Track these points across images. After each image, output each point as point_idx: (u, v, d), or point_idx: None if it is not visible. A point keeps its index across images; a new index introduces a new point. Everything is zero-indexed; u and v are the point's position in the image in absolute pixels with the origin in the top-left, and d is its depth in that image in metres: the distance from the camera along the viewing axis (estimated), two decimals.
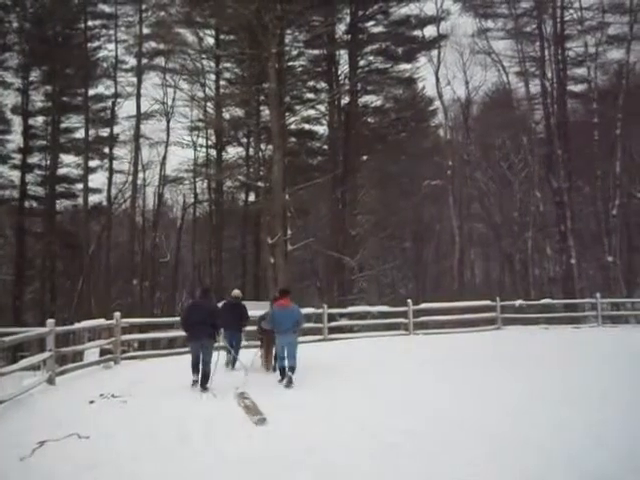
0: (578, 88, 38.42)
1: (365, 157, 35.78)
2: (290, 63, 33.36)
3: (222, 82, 38.10)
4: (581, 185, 38.06)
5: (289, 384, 10.76)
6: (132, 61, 41.17)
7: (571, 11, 35.50)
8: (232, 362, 12.89)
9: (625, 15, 34.95)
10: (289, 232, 27.05)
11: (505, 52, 37.75)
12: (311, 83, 35.22)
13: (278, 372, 11.51)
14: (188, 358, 11.12)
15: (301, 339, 12.73)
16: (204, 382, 10.62)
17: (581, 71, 37.06)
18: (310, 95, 35.32)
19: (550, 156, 34.31)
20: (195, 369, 10.86)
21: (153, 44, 39.95)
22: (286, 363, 11.18)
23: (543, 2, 35.06)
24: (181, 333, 13.17)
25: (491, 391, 9.76)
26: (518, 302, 23.35)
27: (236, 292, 13.62)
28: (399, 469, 6.15)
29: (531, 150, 35.87)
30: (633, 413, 7.81)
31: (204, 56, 37.20)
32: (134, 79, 40.09)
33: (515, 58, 37.13)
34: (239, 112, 35.46)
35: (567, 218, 32.57)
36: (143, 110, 39.75)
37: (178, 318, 14.41)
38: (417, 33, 36.88)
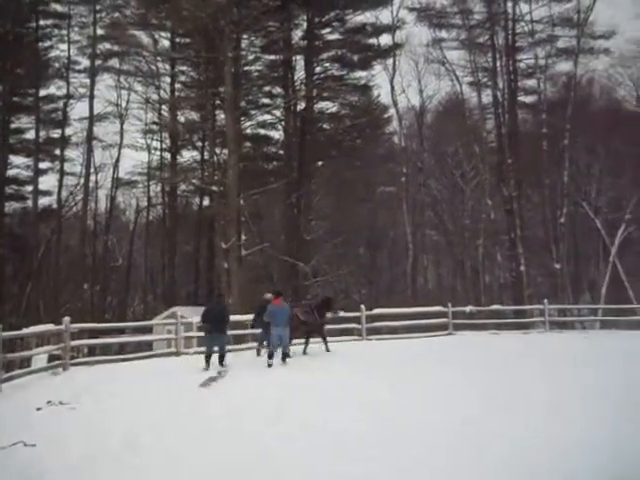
0: (528, 99, 39.41)
1: (320, 163, 36.02)
2: (246, 68, 33.41)
3: (177, 85, 37.90)
4: (530, 194, 38.95)
5: (284, 362, 13.75)
6: (85, 62, 40.62)
7: (522, 24, 36.34)
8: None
9: (573, 29, 35.99)
10: (243, 237, 27.06)
11: (459, 62, 38.44)
12: (267, 88, 35.32)
13: (266, 357, 13.87)
14: (138, 363, 11.04)
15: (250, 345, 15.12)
16: (221, 361, 13.73)
17: (531, 82, 38.07)
18: (266, 100, 35.45)
19: (501, 165, 35.03)
20: (207, 359, 13.67)
21: (107, 45, 39.52)
22: (280, 350, 13.92)
23: (495, 14, 35.80)
24: (132, 338, 13.97)
25: (438, 392, 9.92)
26: (469, 308, 23.77)
27: (268, 295, 15.79)
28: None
29: (483, 159, 36.55)
30: (571, 418, 8.02)
31: (159, 58, 36.91)
32: (87, 80, 39.60)
33: (468, 68, 37.82)
34: (194, 116, 35.30)
35: (517, 226, 33.28)
36: (96, 112, 39.27)
37: (130, 323, 14.91)
38: (373, 41, 37.36)
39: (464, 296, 36.91)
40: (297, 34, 34.38)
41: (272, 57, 34.52)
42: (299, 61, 34.32)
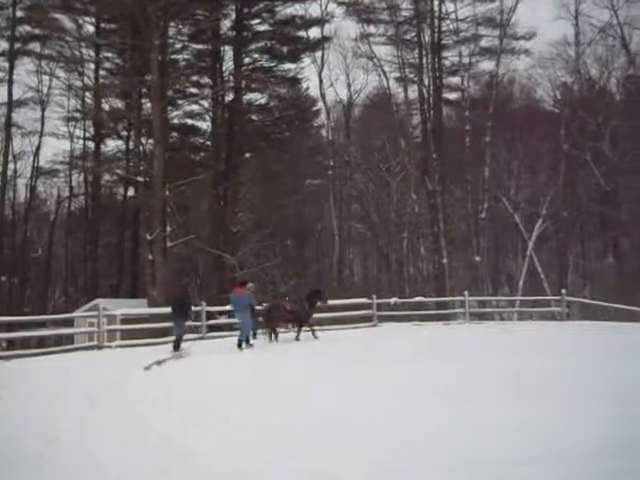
0: (453, 96, 40.39)
1: (248, 154, 35.88)
2: (174, 56, 32.86)
3: (102, 72, 36.94)
4: (453, 189, 40.00)
5: (248, 347, 15.27)
6: (4, 44, 38.88)
7: (448, 22, 37.18)
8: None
9: (496, 29, 37.11)
10: (168, 228, 26.72)
11: (386, 57, 38.98)
12: (195, 78, 34.91)
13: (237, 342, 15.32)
14: (56, 357, 10.78)
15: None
16: (176, 346, 14.66)
17: (456, 80, 39.02)
18: (194, 90, 35.03)
19: (426, 160, 35.78)
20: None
21: (27, 28, 37.95)
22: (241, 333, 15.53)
23: (422, 12, 36.45)
24: (53, 332, 13.70)
25: (355, 384, 10.13)
26: (393, 300, 24.28)
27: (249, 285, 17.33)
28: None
29: (408, 153, 37.26)
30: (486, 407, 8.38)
31: (83, 44, 35.84)
32: (6, 64, 37.88)
33: (395, 64, 38.38)
34: (119, 104, 34.52)
35: (440, 220, 34.10)
36: (15, 97, 37.69)
37: (50, 316, 14.83)
38: (302, 34, 37.47)
39: (389, 288, 37.65)
40: (226, 24, 34.09)
41: (200, 46, 34.10)
42: (228, 51, 34.10)
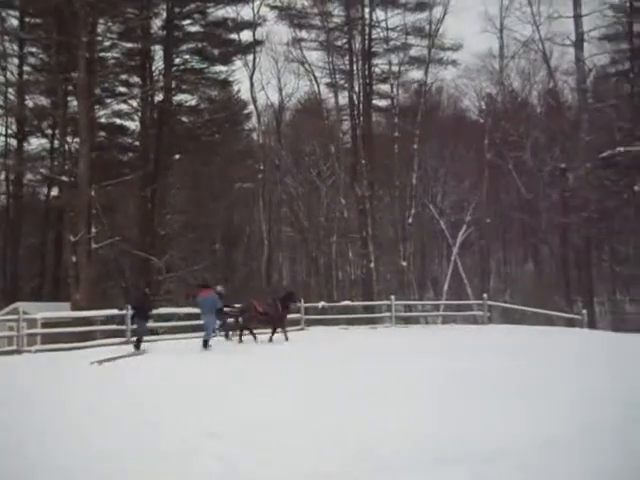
0: (382, 103, 41.05)
1: (177, 156, 35.39)
2: (102, 54, 32.13)
3: (26, 68, 35.59)
4: (382, 194, 40.70)
5: (207, 347, 15.83)
6: None
7: (378, 30, 37.81)
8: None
9: (425, 39, 38.00)
10: (94, 230, 26.11)
11: (317, 63, 39.30)
12: (124, 77, 34.23)
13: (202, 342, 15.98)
14: None
15: (100, 341, 16.23)
16: (137, 345, 15.73)
17: (385, 87, 39.59)
18: (122, 89, 34.36)
19: (355, 165, 36.24)
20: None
21: None
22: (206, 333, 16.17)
23: (353, 19, 36.97)
24: None
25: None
26: (321, 304, 24.51)
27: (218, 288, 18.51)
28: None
29: (338, 159, 37.70)
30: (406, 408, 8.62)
31: (6, 38, 34.53)
32: None
33: (326, 69, 38.73)
34: (44, 101, 33.48)
35: (368, 225, 34.62)
36: None
37: None
38: (234, 36, 37.28)
39: (317, 292, 37.93)
40: (157, 23, 33.57)
41: (130, 45, 33.47)
42: (158, 51, 33.57)
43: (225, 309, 17.94)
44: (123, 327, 18.28)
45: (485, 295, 25.64)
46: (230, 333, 18.54)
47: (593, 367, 11.38)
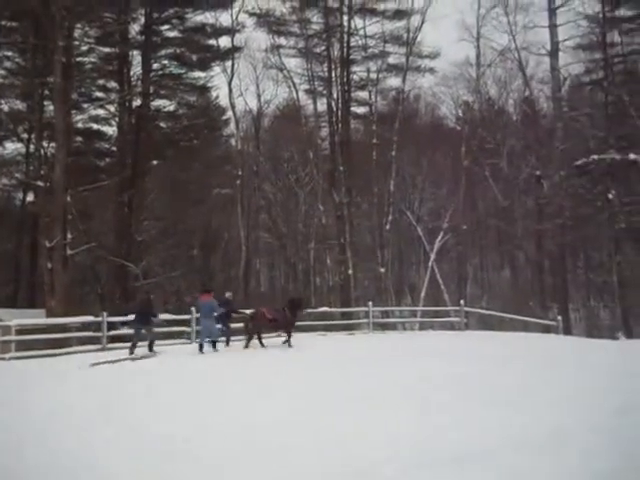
0: (360, 110, 41.30)
1: (155, 162, 35.25)
2: (79, 58, 31.89)
3: (1, 71, 35.17)
4: (360, 201, 40.85)
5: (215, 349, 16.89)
6: None
7: (357, 37, 38.03)
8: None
9: (403, 47, 38.30)
10: (69, 236, 25.83)
11: (296, 69, 39.38)
12: (101, 81, 34.02)
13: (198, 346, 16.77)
14: None
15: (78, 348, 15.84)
16: (150, 347, 16.60)
17: (364, 94, 39.88)
18: (100, 94, 34.14)
19: (333, 172, 36.34)
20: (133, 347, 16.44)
21: None
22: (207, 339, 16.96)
23: (332, 26, 37.12)
24: None
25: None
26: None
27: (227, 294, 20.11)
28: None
29: (316, 165, 37.77)
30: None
31: None
32: None
33: (305, 76, 38.81)
34: (20, 105, 33.12)
35: (346, 231, 34.71)
36: None
37: None
38: (212, 42, 37.26)
39: None
40: (135, 28, 33.43)
41: (107, 49, 33.28)
42: (136, 56, 33.42)
43: (233, 315, 18.73)
44: (99, 334, 18.14)
45: (462, 301, 25.81)
46: (228, 339, 18.67)
47: (567, 373, 11.53)
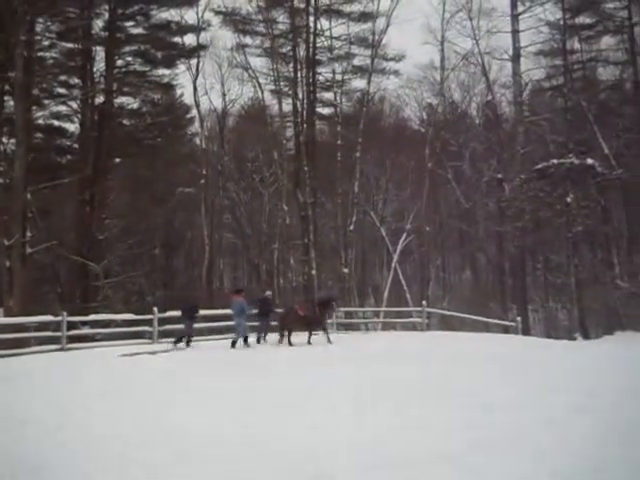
0: (326, 111, 41.36)
1: (118, 160, 34.89)
2: (41, 54, 31.40)
3: None
4: (324, 201, 40.95)
5: (247, 346, 18.62)
6: None
7: (323, 39, 38.05)
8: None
9: (368, 49, 38.47)
10: (29, 234, 25.47)
11: (262, 69, 39.24)
12: (63, 77, 33.46)
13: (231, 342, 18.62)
14: None
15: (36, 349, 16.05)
16: (188, 342, 19.15)
17: (329, 95, 39.91)
18: (62, 90, 33.60)
19: (298, 172, 36.33)
20: (179, 340, 19.21)
21: None
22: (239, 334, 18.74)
23: (298, 27, 37.10)
24: None
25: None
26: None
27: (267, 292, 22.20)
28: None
29: (281, 165, 37.72)
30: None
31: None
32: None
33: (270, 76, 38.63)
34: None
35: (310, 231, 34.74)
36: None
37: None
38: (177, 40, 37.00)
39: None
40: (98, 24, 32.99)
41: (70, 45, 32.80)
42: (99, 52, 32.98)
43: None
44: (58, 334, 17.91)
45: (424, 302, 26.08)
46: (263, 335, 20.15)
47: (523, 372, 11.79)
